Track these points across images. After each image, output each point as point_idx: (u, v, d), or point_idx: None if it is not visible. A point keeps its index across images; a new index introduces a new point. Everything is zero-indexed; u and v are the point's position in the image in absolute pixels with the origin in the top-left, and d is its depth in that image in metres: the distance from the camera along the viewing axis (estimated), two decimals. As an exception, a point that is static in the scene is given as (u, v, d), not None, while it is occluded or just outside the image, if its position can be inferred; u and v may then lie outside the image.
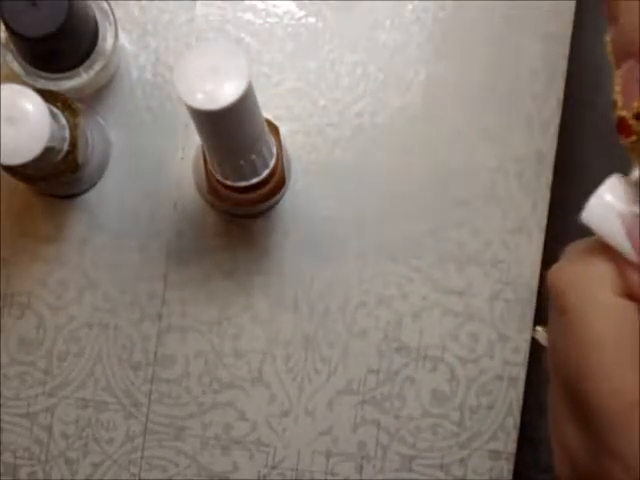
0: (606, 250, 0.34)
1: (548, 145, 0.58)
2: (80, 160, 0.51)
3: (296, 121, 0.58)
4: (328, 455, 0.58)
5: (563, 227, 0.60)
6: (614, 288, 0.33)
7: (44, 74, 0.51)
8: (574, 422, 0.34)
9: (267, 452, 0.58)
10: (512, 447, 0.58)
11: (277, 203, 0.57)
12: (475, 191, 0.58)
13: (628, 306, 0.33)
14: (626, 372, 0.32)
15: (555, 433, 0.36)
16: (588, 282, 0.34)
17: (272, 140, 0.49)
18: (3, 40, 0.51)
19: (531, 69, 0.58)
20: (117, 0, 0.56)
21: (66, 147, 0.50)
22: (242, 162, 0.47)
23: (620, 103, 0.33)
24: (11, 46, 0.51)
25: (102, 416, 0.57)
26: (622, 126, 0.33)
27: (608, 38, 0.34)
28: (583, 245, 0.35)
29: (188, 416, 0.57)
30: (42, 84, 0.51)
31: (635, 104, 0.32)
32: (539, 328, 0.39)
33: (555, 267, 0.36)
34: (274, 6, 0.58)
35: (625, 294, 0.33)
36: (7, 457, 0.57)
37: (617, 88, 0.33)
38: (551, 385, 0.37)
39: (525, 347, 0.58)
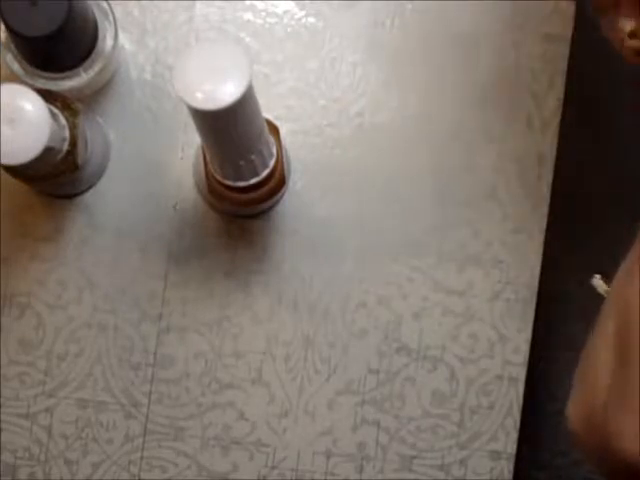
0: None
1: (548, 145, 0.58)
2: (80, 160, 0.51)
3: (296, 121, 0.58)
4: (328, 455, 0.58)
5: (563, 227, 0.60)
6: None
7: (44, 74, 0.51)
8: (614, 365, 0.34)
9: (267, 452, 0.58)
10: (512, 447, 0.58)
11: (277, 203, 0.57)
12: (475, 191, 0.58)
13: None
14: None
15: (585, 372, 0.36)
16: None
17: (272, 140, 0.49)
18: (3, 40, 0.51)
19: (531, 69, 0.58)
20: (117, 0, 0.56)
21: (66, 147, 0.50)
22: (242, 162, 0.47)
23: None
24: (11, 46, 0.51)
25: (102, 416, 0.57)
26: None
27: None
28: None
29: (188, 416, 0.57)
30: (42, 84, 0.51)
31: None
32: (597, 276, 0.39)
33: None
34: (274, 6, 0.58)
35: None
36: (7, 457, 0.57)
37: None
38: (601, 326, 0.36)
39: (525, 347, 0.58)
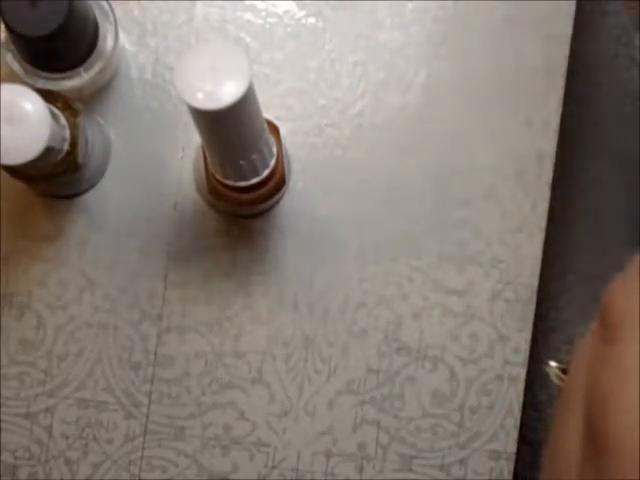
0: None
1: (548, 145, 0.58)
2: (80, 160, 0.51)
3: (296, 121, 0.58)
4: (328, 455, 0.58)
5: (563, 227, 0.60)
6: None
7: (44, 74, 0.51)
8: (585, 460, 0.30)
9: (267, 452, 0.58)
10: (512, 447, 0.58)
11: (277, 203, 0.57)
12: (475, 191, 0.58)
13: None
14: None
15: (552, 461, 0.32)
16: None
17: (272, 140, 0.49)
18: (3, 40, 0.51)
19: (531, 69, 0.58)
20: (117, 0, 0.56)
21: (66, 147, 0.50)
22: (242, 162, 0.47)
23: None
24: (11, 46, 0.51)
25: (102, 416, 0.57)
26: None
27: None
28: None
29: (188, 416, 0.57)
30: (42, 84, 0.51)
31: None
32: (553, 364, 0.37)
33: (614, 286, 0.31)
34: (274, 6, 0.58)
35: None
36: (7, 457, 0.57)
37: None
38: (561, 412, 0.33)
39: (525, 347, 0.58)
